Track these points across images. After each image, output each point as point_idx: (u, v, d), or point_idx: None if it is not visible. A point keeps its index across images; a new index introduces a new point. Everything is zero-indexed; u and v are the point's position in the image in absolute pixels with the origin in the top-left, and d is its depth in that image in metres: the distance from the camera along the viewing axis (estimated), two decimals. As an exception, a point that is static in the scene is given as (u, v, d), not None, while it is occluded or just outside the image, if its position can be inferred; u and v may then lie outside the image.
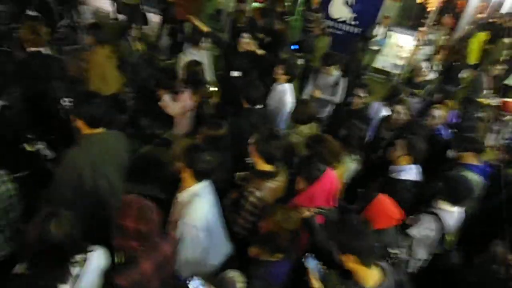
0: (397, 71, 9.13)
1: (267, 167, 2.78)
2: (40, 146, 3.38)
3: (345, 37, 8.82)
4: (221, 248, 2.66)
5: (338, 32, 9.14)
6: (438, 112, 4.09)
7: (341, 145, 3.12)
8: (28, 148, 3.27)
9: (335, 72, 4.86)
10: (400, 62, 8.91)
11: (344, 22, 9.05)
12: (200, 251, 2.40)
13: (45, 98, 3.67)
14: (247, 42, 4.85)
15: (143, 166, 3.60)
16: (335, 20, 9.08)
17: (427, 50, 8.66)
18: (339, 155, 3.12)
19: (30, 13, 5.26)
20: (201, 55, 4.83)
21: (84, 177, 2.41)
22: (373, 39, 8.66)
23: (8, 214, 2.39)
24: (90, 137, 2.50)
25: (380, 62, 9.05)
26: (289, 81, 4.37)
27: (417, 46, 8.65)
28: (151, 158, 3.86)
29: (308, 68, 6.14)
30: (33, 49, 3.64)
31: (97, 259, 1.98)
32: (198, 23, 5.04)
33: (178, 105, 4.02)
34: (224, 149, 3.04)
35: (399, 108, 3.99)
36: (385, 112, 4.44)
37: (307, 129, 3.77)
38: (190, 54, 4.78)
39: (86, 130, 2.50)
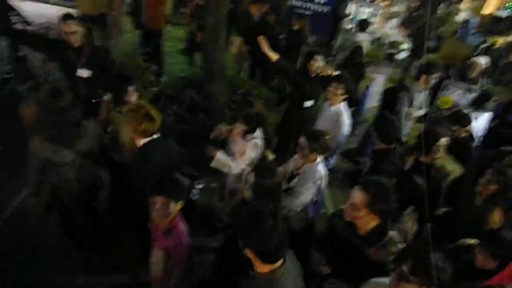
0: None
1: None
2: None
3: (314, 18, 8.43)
4: None
5: (307, 12, 8.69)
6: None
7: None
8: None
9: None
10: (369, 38, 9.04)
11: (311, 1, 8.59)
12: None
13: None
14: (320, 66, 4.17)
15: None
16: (301, -1, 8.57)
17: (393, 23, 8.94)
18: None
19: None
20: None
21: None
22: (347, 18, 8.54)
23: None
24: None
25: (351, 40, 9.01)
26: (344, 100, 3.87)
27: (383, 19, 8.84)
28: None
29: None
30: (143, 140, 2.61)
31: None
32: (268, 50, 4.10)
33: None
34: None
35: None
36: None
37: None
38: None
39: (262, 268, 1.76)
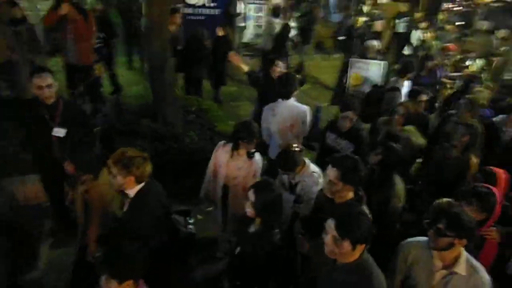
0: (259, 41, 9.87)
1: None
2: None
3: (208, 21, 8.58)
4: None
5: (200, 17, 8.78)
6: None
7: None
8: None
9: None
10: (260, 31, 9.67)
11: (203, 6, 8.68)
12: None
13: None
14: (282, 70, 4.44)
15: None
16: (192, 5, 8.58)
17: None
18: None
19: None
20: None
21: None
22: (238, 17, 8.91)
23: None
24: None
25: (247, 36, 9.48)
26: None
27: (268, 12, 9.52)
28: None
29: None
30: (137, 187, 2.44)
31: None
32: (240, 62, 4.14)
33: None
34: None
35: None
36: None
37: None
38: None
39: None
